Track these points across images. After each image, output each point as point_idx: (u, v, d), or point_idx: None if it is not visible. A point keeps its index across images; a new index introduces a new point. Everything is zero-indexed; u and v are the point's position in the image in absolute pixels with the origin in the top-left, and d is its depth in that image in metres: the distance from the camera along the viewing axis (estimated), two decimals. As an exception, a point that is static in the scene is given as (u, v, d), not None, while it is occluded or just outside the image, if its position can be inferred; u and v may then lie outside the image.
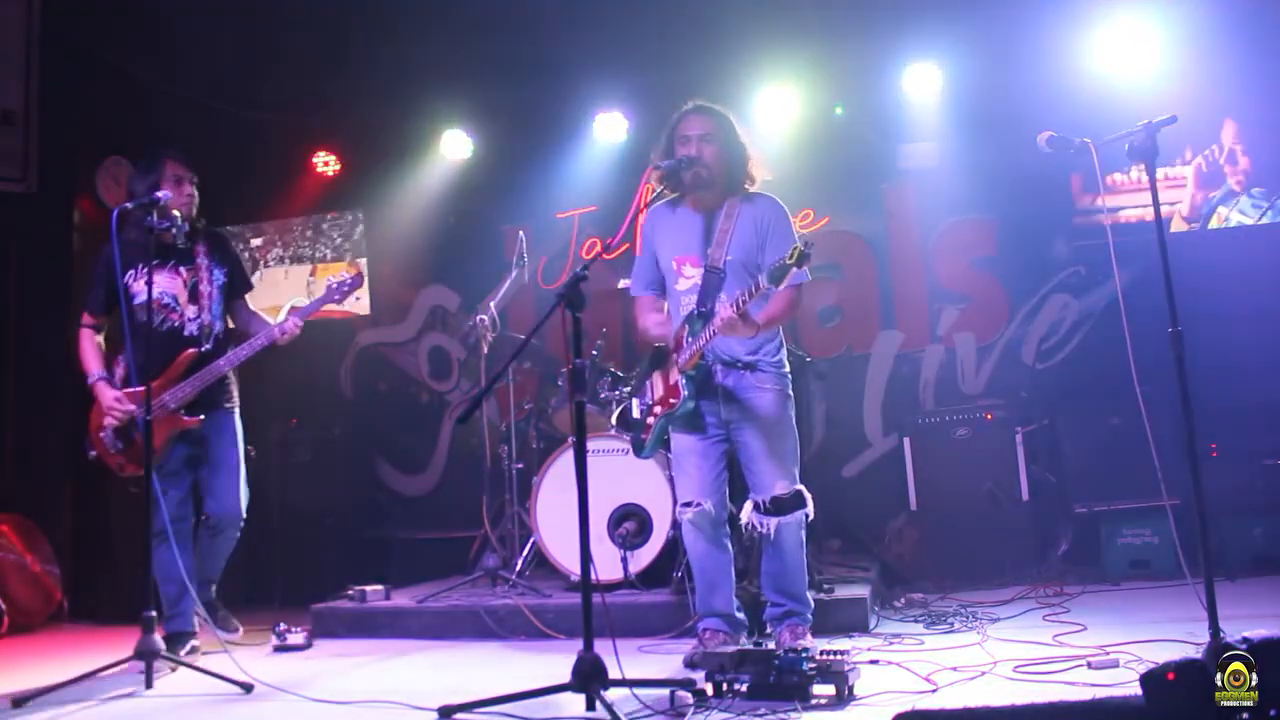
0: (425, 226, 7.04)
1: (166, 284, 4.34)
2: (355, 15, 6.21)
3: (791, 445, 3.74)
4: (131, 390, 4.24)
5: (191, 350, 4.29)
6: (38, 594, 5.59)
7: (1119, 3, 5.73)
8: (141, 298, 4.21)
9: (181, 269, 4.38)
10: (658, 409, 3.74)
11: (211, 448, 4.39)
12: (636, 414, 3.91)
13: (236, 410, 4.48)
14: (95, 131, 6.35)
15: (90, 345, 4.34)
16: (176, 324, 4.33)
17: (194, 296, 4.37)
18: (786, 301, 3.67)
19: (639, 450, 3.88)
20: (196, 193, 4.42)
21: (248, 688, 3.59)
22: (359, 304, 7.27)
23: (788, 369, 3.82)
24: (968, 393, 6.21)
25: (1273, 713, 2.19)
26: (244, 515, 4.45)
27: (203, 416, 4.29)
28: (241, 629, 4.63)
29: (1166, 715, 2.29)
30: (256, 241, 7.43)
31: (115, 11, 6.11)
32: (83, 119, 6.29)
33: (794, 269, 3.23)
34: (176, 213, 4.16)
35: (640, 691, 3.10)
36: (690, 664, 3.62)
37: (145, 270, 4.17)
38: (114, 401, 4.22)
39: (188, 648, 4.24)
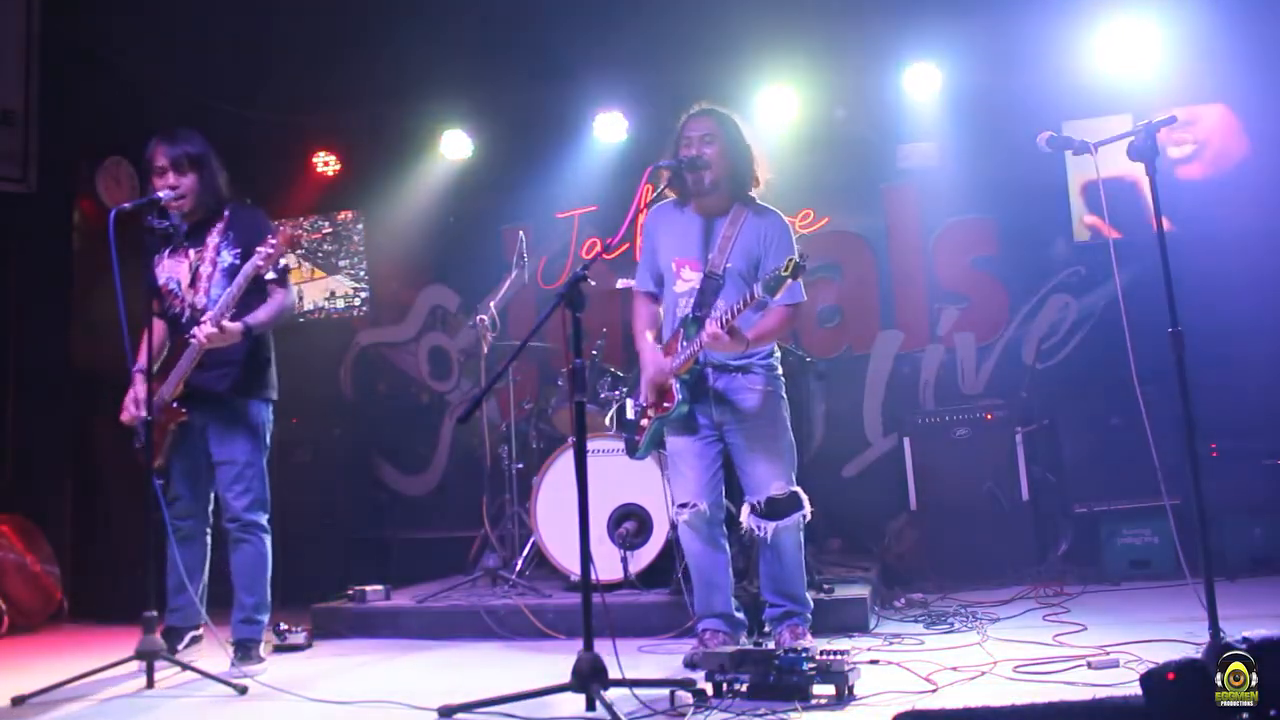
0: (425, 226, 7.03)
1: (175, 269, 4.13)
2: (355, 15, 6.21)
3: (786, 446, 3.73)
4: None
5: (182, 337, 4.03)
6: (38, 594, 5.59)
7: (1119, 2, 5.72)
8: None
9: (190, 251, 4.12)
10: (651, 412, 3.75)
11: (211, 441, 4.10)
12: (631, 415, 3.91)
13: (250, 396, 4.10)
14: (95, 131, 6.34)
15: (144, 335, 4.06)
16: (177, 310, 4.11)
17: (195, 280, 4.09)
18: (780, 319, 3.66)
19: (632, 452, 3.89)
20: (188, 180, 4.04)
21: (242, 689, 3.58)
22: (359, 304, 7.29)
23: (780, 370, 3.81)
24: (968, 393, 6.20)
25: (1273, 713, 2.19)
26: (248, 516, 4.08)
27: (185, 412, 4.02)
28: (266, 661, 4.13)
29: (1166, 715, 2.29)
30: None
31: (114, 11, 6.10)
32: (83, 119, 6.28)
33: (789, 280, 3.27)
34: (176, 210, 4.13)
35: (640, 691, 3.10)
36: (690, 664, 3.62)
37: (160, 260, 4.13)
38: (129, 401, 4.08)
39: (186, 641, 4.19)
